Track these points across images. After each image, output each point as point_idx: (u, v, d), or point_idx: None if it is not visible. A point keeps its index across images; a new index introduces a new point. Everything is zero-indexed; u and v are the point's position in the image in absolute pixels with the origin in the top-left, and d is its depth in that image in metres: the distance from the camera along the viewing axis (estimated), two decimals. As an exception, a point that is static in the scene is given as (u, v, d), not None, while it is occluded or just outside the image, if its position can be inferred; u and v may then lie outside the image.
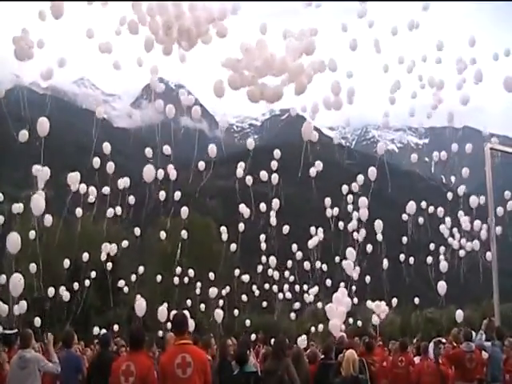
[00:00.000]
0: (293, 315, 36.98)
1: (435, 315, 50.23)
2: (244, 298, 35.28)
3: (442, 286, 21.53)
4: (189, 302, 33.89)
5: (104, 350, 9.62)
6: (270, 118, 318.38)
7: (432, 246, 29.77)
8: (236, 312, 36.04)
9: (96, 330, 28.96)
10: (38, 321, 23.72)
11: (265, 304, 37.80)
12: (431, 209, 27.71)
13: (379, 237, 24.59)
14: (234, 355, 9.15)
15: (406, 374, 12.14)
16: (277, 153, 25.76)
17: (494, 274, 12.64)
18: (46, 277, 42.62)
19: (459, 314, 22.26)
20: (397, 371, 12.35)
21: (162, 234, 36.79)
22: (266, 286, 33.54)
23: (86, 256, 30.58)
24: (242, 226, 28.46)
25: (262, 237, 30.16)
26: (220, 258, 32.32)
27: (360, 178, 24.30)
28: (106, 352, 9.49)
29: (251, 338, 25.86)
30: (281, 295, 32.15)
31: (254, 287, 34.04)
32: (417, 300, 35.50)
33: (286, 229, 30.34)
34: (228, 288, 34.12)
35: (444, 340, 13.75)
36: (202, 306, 34.90)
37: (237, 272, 33.51)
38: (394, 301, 29.96)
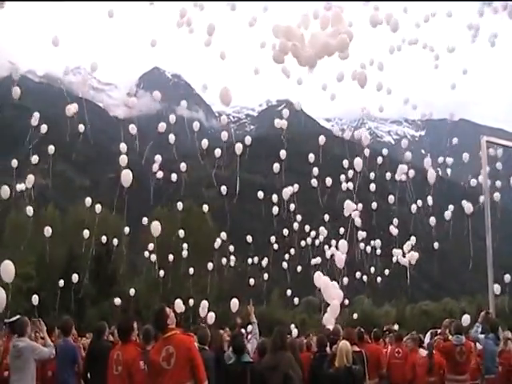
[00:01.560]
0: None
1: (430, 307, 50.53)
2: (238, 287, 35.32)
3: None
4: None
5: (98, 339, 9.63)
6: (266, 108, 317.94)
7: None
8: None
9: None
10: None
11: (260, 295, 37.82)
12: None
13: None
14: (229, 344, 9.11)
15: (403, 365, 12.23)
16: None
17: (489, 267, 12.69)
18: (42, 266, 42.89)
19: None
20: (394, 361, 12.46)
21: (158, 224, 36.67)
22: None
23: (82, 245, 30.39)
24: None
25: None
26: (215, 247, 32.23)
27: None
28: (100, 341, 9.50)
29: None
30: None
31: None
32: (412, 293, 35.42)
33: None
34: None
35: (438, 331, 13.79)
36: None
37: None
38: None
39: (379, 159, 26.51)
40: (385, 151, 28.37)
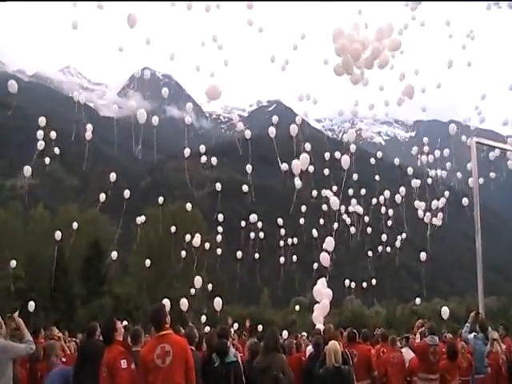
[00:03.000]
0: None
1: (420, 308, 50.67)
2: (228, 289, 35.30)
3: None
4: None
5: (90, 338, 9.57)
6: (257, 108, 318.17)
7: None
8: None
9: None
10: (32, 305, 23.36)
11: (250, 295, 37.87)
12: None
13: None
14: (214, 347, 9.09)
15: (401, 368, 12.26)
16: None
17: (478, 268, 12.73)
18: (32, 266, 42.68)
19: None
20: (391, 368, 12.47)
21: (148, 225, 36.60)
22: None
23: (71, 245, 30.20)
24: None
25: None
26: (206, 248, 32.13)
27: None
28: (91, 341, 9.44)
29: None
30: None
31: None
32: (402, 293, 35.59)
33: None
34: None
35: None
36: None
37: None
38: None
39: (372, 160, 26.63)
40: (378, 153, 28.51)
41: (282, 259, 30.40)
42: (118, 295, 42.77)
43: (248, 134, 26.47)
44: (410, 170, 26.84)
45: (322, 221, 26.35)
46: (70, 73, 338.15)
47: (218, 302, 20.98)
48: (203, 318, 26.25)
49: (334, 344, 8.71)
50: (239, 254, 31.43)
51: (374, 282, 30.80)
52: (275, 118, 25.70)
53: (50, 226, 47.03)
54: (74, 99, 23.99)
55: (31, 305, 22.62)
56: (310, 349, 11.80)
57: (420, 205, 24.78)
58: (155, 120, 23.97)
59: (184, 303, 20.72)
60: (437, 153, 26.17)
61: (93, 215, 47.51)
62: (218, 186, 29.48)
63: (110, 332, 7.27)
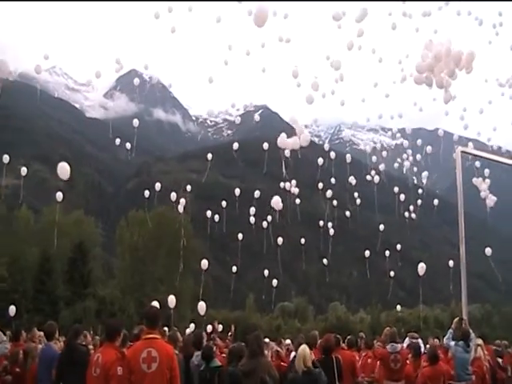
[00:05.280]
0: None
1: (404, 314, 51.03)
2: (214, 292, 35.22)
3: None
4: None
5: (73, 341, 9.49)
6: (244, 113, 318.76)
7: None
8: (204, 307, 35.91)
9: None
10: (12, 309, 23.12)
11: (235, 299, 37.82)
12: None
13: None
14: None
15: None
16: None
17: (462, 275, 12.82)
18: (15, 268, 42.34)
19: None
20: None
21: (133, 227, 36.51)
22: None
23: (55, 247, 30.00)
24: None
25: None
26: (192, 252, 32.15)
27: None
28: (75, 345, 9.36)
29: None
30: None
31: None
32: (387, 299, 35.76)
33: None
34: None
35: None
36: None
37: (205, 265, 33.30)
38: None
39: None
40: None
41: (266, 264, 30.47)
42: (102, 297, 42.53)
43: (236, 146, 26.57)
44: (395, 177, 27.03)
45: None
46: (55, 73, 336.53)
47: (201, 307, 20.89)
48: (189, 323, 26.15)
49: (302, 349, 8.74)
50: (226, 258, 31.44)
51: (359, 288, 30.93)
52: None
53: (34, 227, 46.76)
54: (66, 102, 23.89)
55: (12, 309, 22.35)
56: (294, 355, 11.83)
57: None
58: (135, 122, 23.95)
59: (172, 301, 20.55)
60: (422, 160, 26.38)
61: (77, 217, 47.31)
62: (205, 188, 29.46)
63: (116, 332, 7.18)
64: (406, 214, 25.90)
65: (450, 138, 26.59)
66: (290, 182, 23.67)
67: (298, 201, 25.39)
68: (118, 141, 24.90)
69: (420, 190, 26.70)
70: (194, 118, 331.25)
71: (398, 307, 36.64)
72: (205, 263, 23.08)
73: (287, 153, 17.99)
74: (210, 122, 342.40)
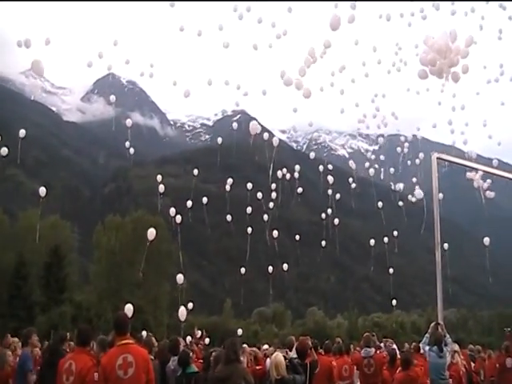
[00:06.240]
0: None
1: (381, 320, 51.39)
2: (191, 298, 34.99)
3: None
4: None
5: (59, 346, 9.37)
6: (222, 118, 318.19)
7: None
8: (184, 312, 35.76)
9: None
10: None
11: (212, 305, 37.69)
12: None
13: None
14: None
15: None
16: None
17: (438, 280, 12.90)
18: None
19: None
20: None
21: (109, 232, 36.20)
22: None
23: (31, 252, 29.64)
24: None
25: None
26: (169, 257, 31.97)
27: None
28: (59, 349, 9.24)
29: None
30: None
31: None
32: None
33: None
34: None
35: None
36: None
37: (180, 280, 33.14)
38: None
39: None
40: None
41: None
42: (78, 303, 42.09)
43: (214, 150, 26.43)
44: (372, 183, 27.19)
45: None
46: (32, 75, 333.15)
47: (182, 312, 20.59)
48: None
49: (274, 357, 8.72)
50: (203, 262, 31.31)
51: (336, 293, 31.02)
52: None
53: (10, 232, 46.12)
54: (43, 105, 23.64)
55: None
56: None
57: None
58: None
59: (129, 309, 20.28)
60: (399, 166, 26.57)
61: (54, 221, 46.78)
62: (182, 194, 29.32)
63: (88, 337, 7.08)
64: (383, 219, 26.02)
65: (429, 145, 26.86)
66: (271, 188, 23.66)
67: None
68: (95, 145, 24.72)
69: (397, 196, 26.88)
70: (171, 123, 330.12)
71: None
72: (180, 277, 22.80)
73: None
74: (188, 126, 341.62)
